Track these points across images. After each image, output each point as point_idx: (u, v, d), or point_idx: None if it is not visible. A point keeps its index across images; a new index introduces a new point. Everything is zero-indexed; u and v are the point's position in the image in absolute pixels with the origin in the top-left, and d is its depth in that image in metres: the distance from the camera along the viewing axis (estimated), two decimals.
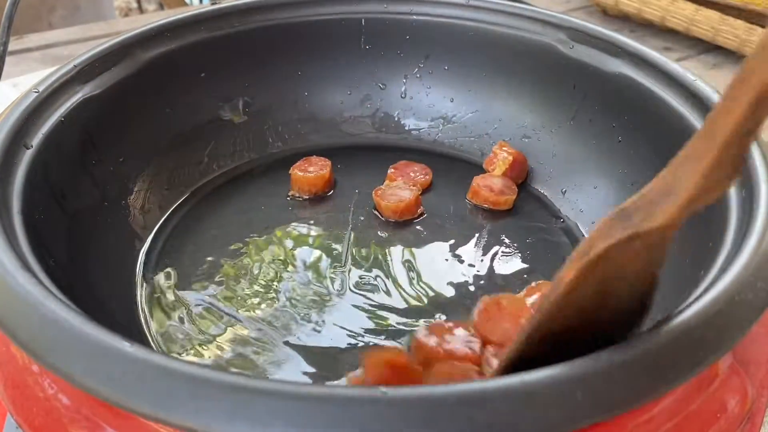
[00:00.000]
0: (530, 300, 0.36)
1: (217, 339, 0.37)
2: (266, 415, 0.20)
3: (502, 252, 0.43)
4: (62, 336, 0.23)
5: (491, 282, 0.41)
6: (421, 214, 0.46)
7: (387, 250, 0.43)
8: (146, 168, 0.45)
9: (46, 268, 0.28)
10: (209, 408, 0.20)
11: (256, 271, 0.41)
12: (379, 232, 0.45)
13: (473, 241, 0.44)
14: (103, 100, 0.41)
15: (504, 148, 0.49)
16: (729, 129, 0.19)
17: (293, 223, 0.45)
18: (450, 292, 0.40)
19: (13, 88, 0.68)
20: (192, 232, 0.44)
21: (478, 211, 0.46)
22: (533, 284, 0.38)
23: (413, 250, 0.43)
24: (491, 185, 0.47)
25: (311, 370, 0.35)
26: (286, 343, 0.36)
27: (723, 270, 0.27)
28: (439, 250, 0.43)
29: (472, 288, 0.40)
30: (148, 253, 0.42)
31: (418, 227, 0.45)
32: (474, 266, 0.42)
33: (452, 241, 0.44)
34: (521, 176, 0.49)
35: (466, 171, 0.49)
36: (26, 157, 0.34)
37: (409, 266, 0.42)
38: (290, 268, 0.41)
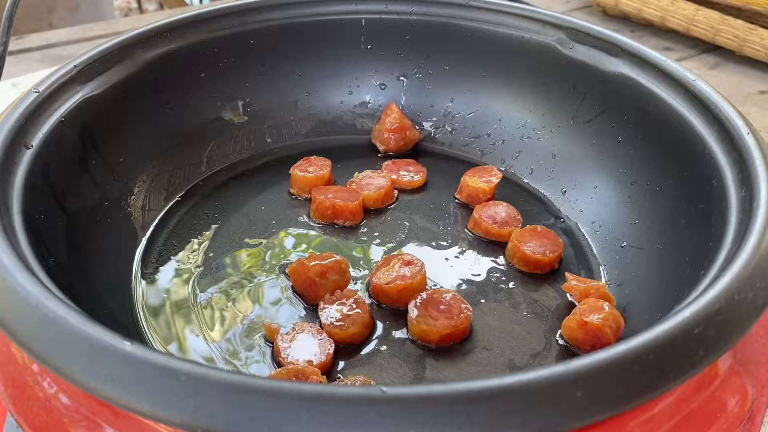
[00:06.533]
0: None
1: (218, 337, 0.37)
2: (266, 415, 0.20)
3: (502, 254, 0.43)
4: (62, 336, 0.23)
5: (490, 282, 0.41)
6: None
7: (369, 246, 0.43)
8: (146, 168, 0.45)
9: (46, 268, 0.28)
10: (209, 407, 0.20)
11: (257, 270, 0.41)
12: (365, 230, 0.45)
13: (467, 240, 0.44)
14: (103, 100, 0.41)
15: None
16: None
17: (292, 224, 0.45)
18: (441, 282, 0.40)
19: (13, 88, 0.68)
20: (192, 232, 0.44)
21: (469, 211, 0.46)
22: (573, 283, 0.39)
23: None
24: (494, 216, 0.45)
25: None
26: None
27: (723, 269, 0.27)
28: (422, 244, 0.43)
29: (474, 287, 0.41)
30: (148, 253, 0.42)
31: (406, 223, 0.45)
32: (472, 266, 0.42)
33: (440, 240, 0.44)
34: (406, 143, 0.52)
35: (464, 171, 0.49)
36: (26, 157, 0.34)
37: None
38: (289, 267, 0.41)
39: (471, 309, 0.37)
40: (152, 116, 0.46)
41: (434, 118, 0.54)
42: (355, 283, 0.40)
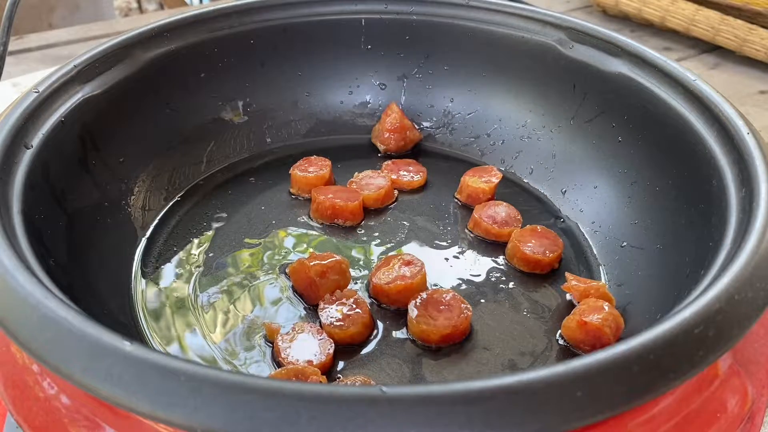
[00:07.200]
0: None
1: (218, 337, 0.37)
2: (266, 415, 0.20)
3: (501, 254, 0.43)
4: (62, 336, 0.23)
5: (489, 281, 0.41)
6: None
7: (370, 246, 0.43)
8: (146, 168, 0.45)
9: (46, 268, 0.28)
10: (209, 407, 0.20)
11: (257, 270, 0.41)
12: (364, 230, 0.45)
13: (466, 241, 0.44)
14: (103, 100, 0.41)
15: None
16: None
17: (292, 224, 0.45)
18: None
19: (13, 88, 0.68)
20: (192, 232, 0.44)
21: (469, 211, 0.46)
22: (573, 283, 0.39)
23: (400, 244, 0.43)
24: (494, 215, 0.45)
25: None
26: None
27: (723, 269, 0.27)
28: (422, 245, 0.43)
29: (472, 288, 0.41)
30: (148, 253, 0.42)
31: (406, 223, 0.45)
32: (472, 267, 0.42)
33: (440, 240, 0.44)
34: (406, 143, 0.52)
35: (464, 171, 0.49)
36: (26, 157, 0.34)
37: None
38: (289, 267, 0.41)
39: (471, 309, 0.37)
40: (152, 116, 0.46)
41: (434, 118, 0.54)
42: (355, 283, 0.40)
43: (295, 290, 0.39)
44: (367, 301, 0.39)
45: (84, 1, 1.10)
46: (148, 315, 0.38)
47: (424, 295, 0.37)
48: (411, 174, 0.49)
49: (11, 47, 0.77)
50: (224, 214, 0.46)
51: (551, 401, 0.21)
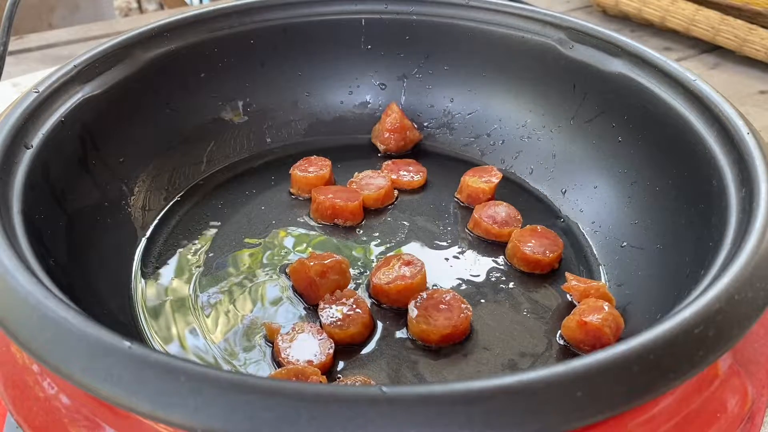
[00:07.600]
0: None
1: (218, 337, 0.37)
2: (266, 415, 0.20)
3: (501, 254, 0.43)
4: (62, 336, 0.23)
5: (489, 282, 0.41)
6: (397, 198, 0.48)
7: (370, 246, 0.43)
8: (146, 168, 0.45)
9: (46, 268, 0.28)
10: (209, 407, 0.20)
11: (257, 270, 0.41)
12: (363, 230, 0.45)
13: (466, 241, 0.44)
14: (103, 100, 0.41)
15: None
16: None
17: (292, 224, 0.45)
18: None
19: (13, 88, 0.68)
20: (192, 232, 0.44)
21: (469, 211, 0.46)
22: (573, 283, 0.39)
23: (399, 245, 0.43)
24: (494, 215, 0.45)
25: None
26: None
27: (723, 269, 0.27)
28: (422, 245, 0.43)
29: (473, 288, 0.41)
30: (148, 253, 0.42)
31: (406, 223, 0.45)
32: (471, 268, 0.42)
33: (440, 240, 0.44)
34: (406, 143, 0.52)
35: (464, 171, 0.49)
36: (26, 157, 0.34)
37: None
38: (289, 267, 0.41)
39: (471, 309, 0.37)
40: (152, 116, 0.46)
41: (434, 118, 0.54)
42: (355, 283, 0.40)
43: (295, 290, 0.39)
44: (367, 301, 0.39)
45: (84, 1, 1.10)
46: (148, 315, 0.38)
47: (424, 295, 0.37)
48: (411, 174, 0.49)
49: (11, 47, 0.77)
50: (224, 214, 0.46)
51: (551, 401, 0.21)
